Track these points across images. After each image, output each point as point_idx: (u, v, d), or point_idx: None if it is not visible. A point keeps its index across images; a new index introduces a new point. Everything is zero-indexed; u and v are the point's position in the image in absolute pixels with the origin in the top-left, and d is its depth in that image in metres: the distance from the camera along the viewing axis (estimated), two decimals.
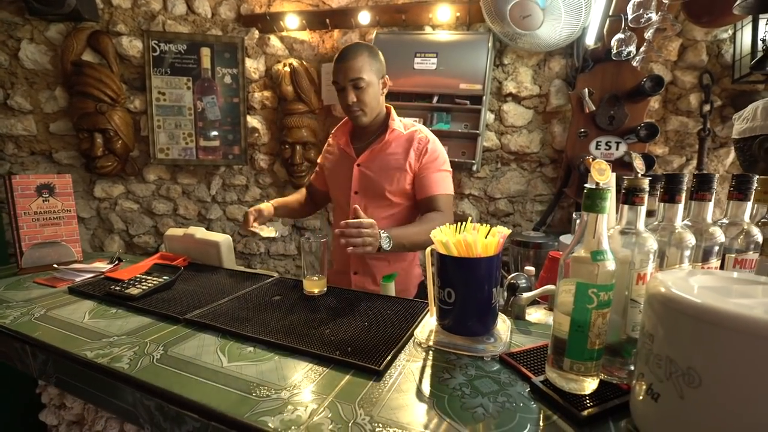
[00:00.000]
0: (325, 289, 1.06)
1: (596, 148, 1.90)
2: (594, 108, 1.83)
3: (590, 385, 0.61)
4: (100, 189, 2.37)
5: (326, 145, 1.45)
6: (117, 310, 0.95)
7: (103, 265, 1.32)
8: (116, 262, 1.37)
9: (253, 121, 2.39)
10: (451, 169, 1.29)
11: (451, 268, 0.78)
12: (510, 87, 2.15)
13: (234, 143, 2.38)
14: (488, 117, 2.18)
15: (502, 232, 0.81)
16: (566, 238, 1.70)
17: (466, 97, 2.05)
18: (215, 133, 2.35)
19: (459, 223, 0.85)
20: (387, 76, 1.27)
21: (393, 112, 1.31)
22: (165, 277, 1.11)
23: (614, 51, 1.48)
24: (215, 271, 1.26)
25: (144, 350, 0.75)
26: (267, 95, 2.38)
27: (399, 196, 1.27)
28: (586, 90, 1.83)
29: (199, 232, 1.37)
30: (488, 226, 0.83)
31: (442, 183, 1.24)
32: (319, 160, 1.49)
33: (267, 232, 1.31)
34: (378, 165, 1.25)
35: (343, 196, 1.33)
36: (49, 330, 0.85)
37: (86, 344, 0.78)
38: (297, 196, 1.51)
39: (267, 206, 1.33)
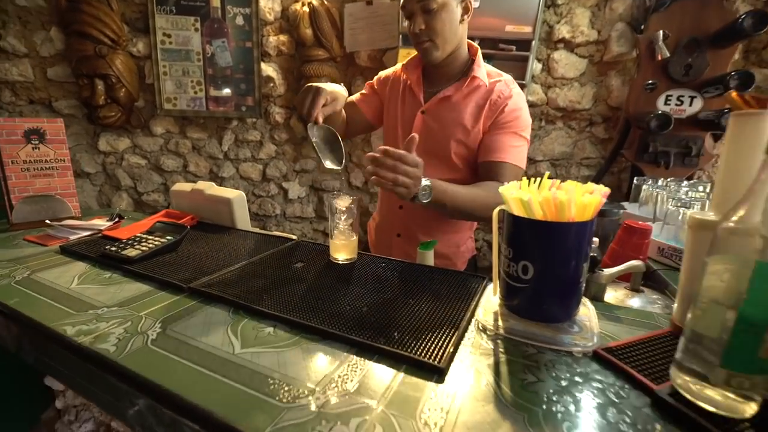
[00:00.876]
0: (356, 256, 0.88)
1: (665, 103, 1.63)
2: (668, 55, 1.55)
3: (751, 407, 0.43)
4: (104, 142, 2.21)
5: (393, 71, 1.18)
6: (111, 275, 0.80)
7: (101, 222, 1.17)
8: (116, 219, 1.22)
9: (267, 69, 2.16)
10: (528, 139, 1.03)
11: (531, 234, 0.59)
12: (563, 32, 1.86)
13: (247, 93, 2.16)
14: (535, 67, 1.91)
15: (602, 190, 0.61)
16: (632, 208, 1.48)
17: (512, 42, 1.78)
18: (226, 81, 2.14)
19: (531, 179, 0.65)
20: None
21: (479, 55, 1.05)
22: (168, 237, 0.95)
23: None
24: (226, 231, 1.09)
25: (137, 327, 0.59)
26: (283, 40, 2.13)
27: (466, 161, 1.05)
28: (661, 32, 1.54)
29: (210, 187, 1.19)
30: (578, 182, 0.63)
31: (514, 151, 0.99)
32: (375, 82, 1.21)
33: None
34: (448, 118, 1.02)
35: (398, 144, 1.08)
36: (28, 297, 0.70)
37: (69, 316, 0.63)
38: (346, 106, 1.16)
39: (338, 89, 1.00)
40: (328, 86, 0.94)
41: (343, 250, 0.87)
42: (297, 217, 2.41)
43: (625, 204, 1.62)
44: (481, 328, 0.63)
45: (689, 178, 1.69)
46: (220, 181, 2.34)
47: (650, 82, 1.63)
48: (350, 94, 2.21)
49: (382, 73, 1.22)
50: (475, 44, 1.07)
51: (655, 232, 1.27)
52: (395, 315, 0.63)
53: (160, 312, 0.64)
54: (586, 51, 1.88)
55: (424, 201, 0.86)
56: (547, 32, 1.90)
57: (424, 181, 0.84)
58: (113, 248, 0.89)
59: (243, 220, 1.17)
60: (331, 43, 2.05)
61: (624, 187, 1.97)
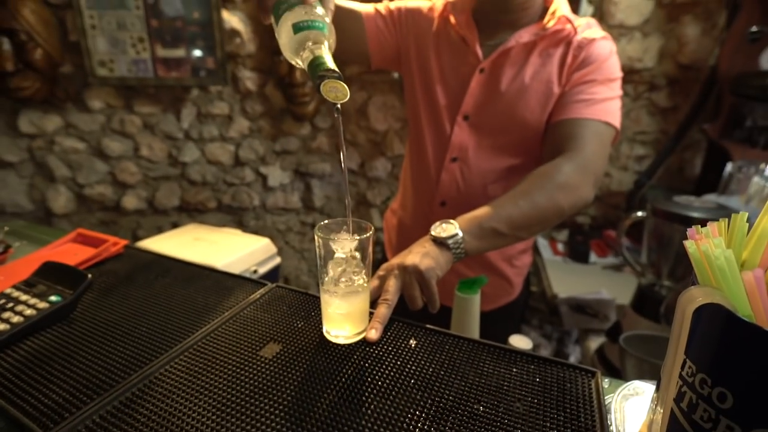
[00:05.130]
0: (366, 326, 0.50)
1: None
2: None
3: None
4: (27, 122, 1.72)
5: (428, 7, 0.81)
6: None
7: None
8: (1, 251, 0.80)
9: (231, 18, 1.65)
10: (621, 93, 0.73)
11: (748, 348, 0.20)
12: None
13: (207, 52, 1.66)
14: (584, 10, 1.44)
15: None
16: (729, 200, 1.09)
17: None
18: (178, 37, 1.63)
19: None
20: None
21: None
22: (52, 299, 0.55)
23: None
24: (162, 269, 0.68)
25: None
26: None
27: (538, 137, 0.76)
28: None
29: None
30: None
31: (603, 105, 0.69)
32: (396, 12, 0.81)
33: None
34: (521, 76, 0.73)
35: (438, 117, 0.79)
36: None
37: None
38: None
39: None
40: None
41: (345, 322, 0.48)
42: (280, 208, 1.98)
43: (710, 197, 1.23)
44: None
45: None
46: (183, 167, 1.88)
47: (755, 29, 1.19)
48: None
49: (409, 2, 0.82)
50: None
51: None
52: None
53: None
54: None
55: (463, 255, 0.60)
56: None
57: (453, 231, 0.59)
58: None
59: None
60: None
61: (689, 170, 1.57)
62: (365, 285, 0.49)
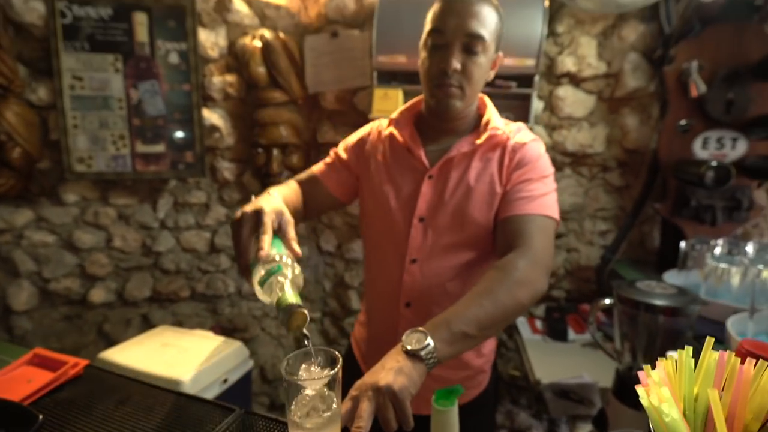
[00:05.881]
0: None
1: (703, 147, 1.35)
2: (705, 89, 1.27)
3: None
4: None
5: (367, 132, 0.94)
6: None
7: None
8: None
9: (212, 116, 1.75)
10: (555, 186, 0.82)
11: None
12: (567, 64, 1.57)
13: (186, 147, 1.72)
14: (536, 107, 1.60)
15: None
16: (689, 276, 1.14)
17: (511, 77, 1.46)
18: (159, 134, 1.70)
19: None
20: (501, 53, 0.83)
21: (490, 104, 0.87)
22: None
23: None
24: (126, 397, 0.64)
25: None
26: (230, 80, 1.74)
27: (488, 233, 0.82)
28: (695, 63, 1.26)
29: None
30: None
31: (543, 199, 0.78)
32: (341, 151, 0.94)
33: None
34: (466, 179, 0.80)
35: (395, 223, 0.85)
36: None
37: None
38: (292, 194, 0.85)
39: (278, 206, 0.64)
40: (264, 202, 0.63)
41: None
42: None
43: (671, 275, 1.30)
44: None
45: (739, 237, 1.40)
46: (156, 257, 1.85)
47: (684, 122, 1.34)
48: (317, 143, 1.81)
49: (351, 138, 0.94)
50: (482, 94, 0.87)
51: (736, 325, 0.93)
52: None
53: None
54: (594, 86, 1.60)
55: (435, 362, 0.60)
56: (547, 65, 1.61)
57: (423, 342, 0.59)
58: None
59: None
60: (289, 83, 1.67)
61: (649, 243, 1.66)
62: (336, 413, 0.48)
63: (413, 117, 0.88)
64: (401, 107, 0.91)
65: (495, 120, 0.82)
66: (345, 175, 0.93)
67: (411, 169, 0.84)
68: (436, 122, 0.84)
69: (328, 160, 0.95)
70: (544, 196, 0.78)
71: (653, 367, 0.41)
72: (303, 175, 0.94)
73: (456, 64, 0.74)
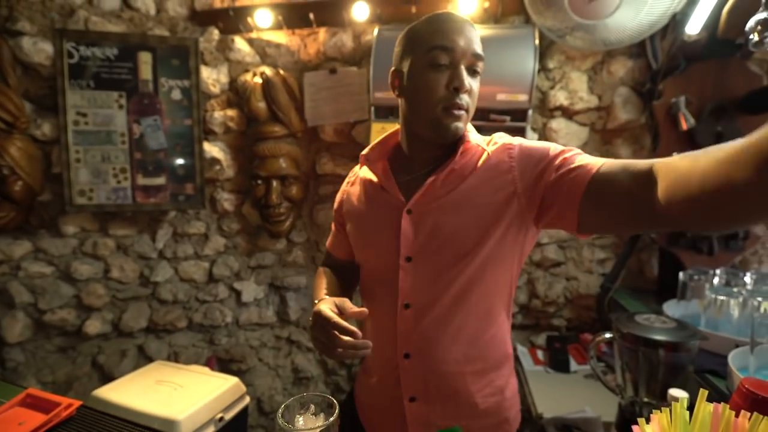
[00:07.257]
0: None
1: None
2: (693, 123, 1.31)
3: None
4: None
5: (346, 183, 0.91)
6: None
7: None
8: None
9: (212, 149, 1.78)
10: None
11: None
12: (560, 98, 1.62)
13: (186, 179, 1.75)
14: (531, 136, 1.64)
15: None
16: (689, 307, 1.14)
17: (505, 112, 1.51)
18: (159, 167, 1.72)
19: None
20: None
21: (470, 127, 0.78)
22: None
23: (753, 39, 0.97)
24: None
25: None
26: (231, 114, 1.78)
27: (485, 249, 0.71)
28: (683, 98, 1.31)
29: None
30: None
31: (585, 156, 0.65)
32: (334, 213, 0.93)
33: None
34: (449, 206, 0.72)
35: (382, 267, 0.79)
36: None
37: None
38: (334, 279, 0.88)
39: (328, 299, 0.72)
40: (328, 305, 0.69)
41: None
42: (254, 323, 1.92)
43: (670, 305, 1.29)
44: None
45: (735, 266, 1.40)
46: (154, 287, 1.84)
47: (675, 154, 1.37)
48: (316, 174, 1.83)
49: (337, 197, 0.93)
50: None
51: (737, 360, 0.92)
52: None
53: None
54: (586, 118, 1.65)
55: None
56: (540, 99, 1.66)
57: None
58: None
59: None
60: (289, 118, 1.71)
61: (648, 271, 1.66)
62: None
63: (387, 152, 0.82)
64: (373, 142, 0.84)
65: (471, 135, 0.75)
66: (342, 237, 0.89)
67: (387, 206, 0.77)
68: (414, 151, 0.77)
69: (333, 229, 0.94)
70: (582, 154, 0.65)
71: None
72: (326, 254, 0.97)
73: (468, 84, 0.68)
